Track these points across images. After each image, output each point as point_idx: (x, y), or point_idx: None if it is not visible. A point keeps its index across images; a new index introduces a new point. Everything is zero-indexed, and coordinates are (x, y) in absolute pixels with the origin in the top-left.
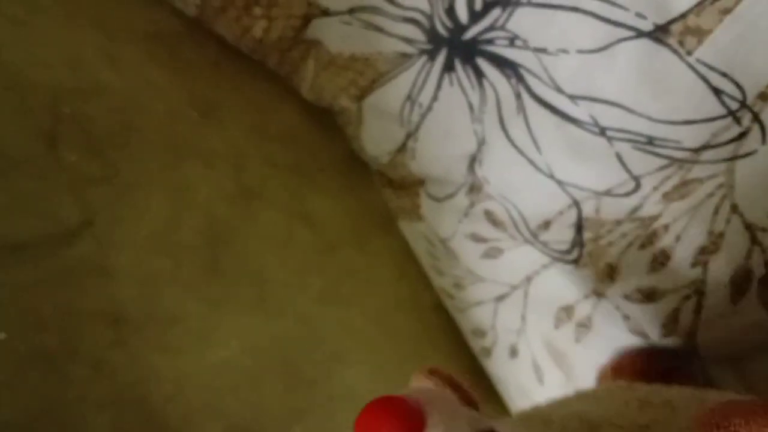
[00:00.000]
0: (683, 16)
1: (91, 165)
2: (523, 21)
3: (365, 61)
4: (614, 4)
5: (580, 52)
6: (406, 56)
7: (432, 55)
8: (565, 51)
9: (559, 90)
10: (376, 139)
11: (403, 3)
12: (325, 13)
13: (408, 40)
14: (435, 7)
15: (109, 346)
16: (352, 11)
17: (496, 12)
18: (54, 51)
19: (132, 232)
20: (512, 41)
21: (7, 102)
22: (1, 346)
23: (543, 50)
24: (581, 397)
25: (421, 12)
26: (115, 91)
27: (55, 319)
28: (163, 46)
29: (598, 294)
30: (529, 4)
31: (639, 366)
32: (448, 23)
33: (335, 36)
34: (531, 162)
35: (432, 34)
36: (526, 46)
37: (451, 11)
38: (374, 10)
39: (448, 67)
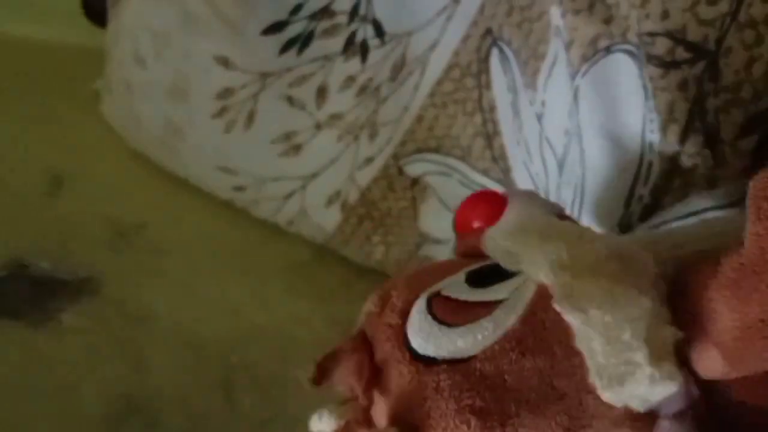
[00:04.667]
0: None
1: (262, 407)
2: None
3: None
4: None
5: None
6: None
7: None
8: None
9: None
10: None
11: None
12: (437, 242)
13: None
14: None
15: None
16: None
17: None
18: (216, 304)
19: None
20: None
21: (185, 359)
22: None
23: None
24: None
25: None
26: (269, 330)
27: None
28: (299, 275)
29: None
30: None
31: None
32: None
33: (445, 256)
34: None
35: None
36: None
37: None
38: None
39: None
